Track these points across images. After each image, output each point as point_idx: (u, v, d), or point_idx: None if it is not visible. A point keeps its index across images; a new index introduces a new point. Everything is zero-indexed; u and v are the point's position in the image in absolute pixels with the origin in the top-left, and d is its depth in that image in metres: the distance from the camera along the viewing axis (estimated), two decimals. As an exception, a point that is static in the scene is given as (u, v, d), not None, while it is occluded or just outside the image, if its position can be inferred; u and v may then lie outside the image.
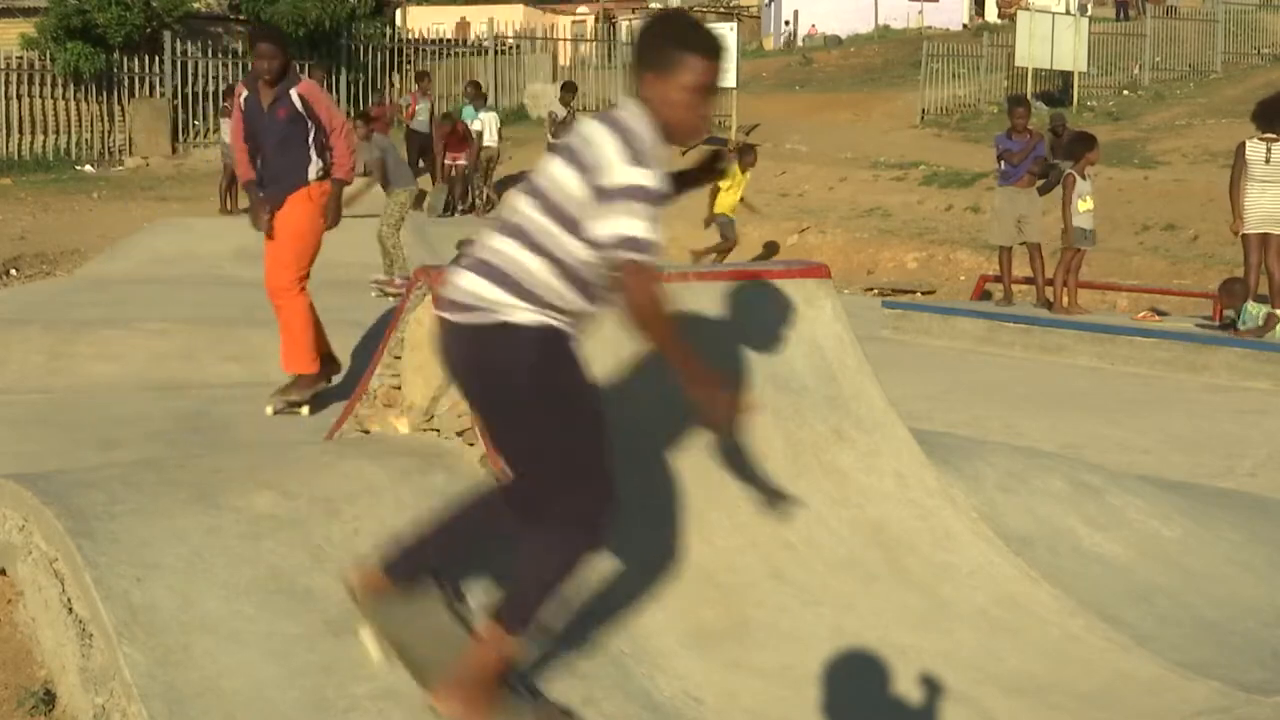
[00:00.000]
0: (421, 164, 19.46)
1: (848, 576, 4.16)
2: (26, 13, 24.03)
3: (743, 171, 16.02)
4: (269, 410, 7.00)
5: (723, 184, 15.81)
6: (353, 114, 23.11)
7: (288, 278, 6.80)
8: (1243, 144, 10.14)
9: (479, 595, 3.43)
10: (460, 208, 19.09)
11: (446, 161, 18.94)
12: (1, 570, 3.68)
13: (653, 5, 45.60)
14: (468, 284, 3.04)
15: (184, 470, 3.92)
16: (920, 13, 40.97)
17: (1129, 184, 17.58)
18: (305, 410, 7.01)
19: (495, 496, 3.17)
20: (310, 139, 6.77)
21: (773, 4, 45.29)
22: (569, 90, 19.55)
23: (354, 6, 24.90)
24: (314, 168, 6.80)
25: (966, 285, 14.84)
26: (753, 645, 3.74)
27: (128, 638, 3.04)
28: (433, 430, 4.21)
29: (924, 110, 25.19)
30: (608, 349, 4.39)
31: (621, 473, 4.06)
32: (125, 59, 23.06)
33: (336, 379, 7.19)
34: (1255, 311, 9.93)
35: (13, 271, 15.07)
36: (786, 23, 44.60)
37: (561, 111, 18.75)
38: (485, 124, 18.76)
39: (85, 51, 22.29)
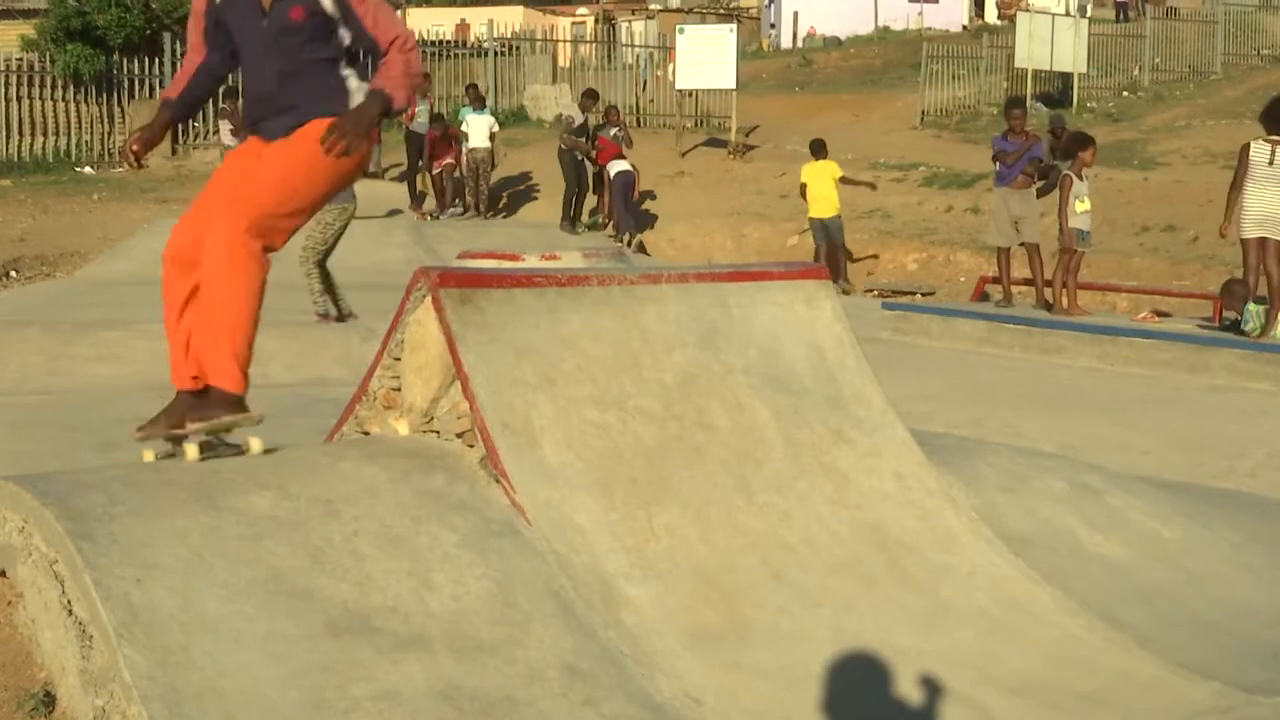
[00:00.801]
0: (420, 164, 19.50)
1: (848, 577, 4.16)
2: (26, 14, 24.06)
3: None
4: (144, 452, 4.17)
5: (811, 183, 16.02)
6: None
7: (241, 221, 3.88)
8: (1247, 145, 10.14)
9: None
10: (453, 210, 19.07)
11: (435, 167, 19.00)
12: (1, 572, 3.67)
13: (652, 6, 45.64)
14: None
15: (183, 471, 3.92)
16: (920, 14, 40.98)
17: (1129, 185, 17.59)
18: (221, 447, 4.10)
19: None
20: (341, 57, 4.15)
21: (773, 5, 45.29)
22: (591, 98, 19.54)
23: (354, 8, 24.91)
24: (353, 100, 4.11)
25: (966, 286, 14.85)
26: (753, 646, 3.74)
27: (128, 639, 3.04)
28: (432, 432, 4.21)
29: (924, 111, 25.21)
30: (607, 338, 4.40)
31: (621, 470, 4.06)
32: (125, 60, 23.06)
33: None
34: (1255, 310, 9.93)
35: (13, 273, 15.07)
36: (771, 25, 44.64)
37: (579, 117, 18.67)
38: (473, 127, 18.77)
39: (85, 53, 22.29)
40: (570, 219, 18.38)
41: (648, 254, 17.60)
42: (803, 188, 16.41)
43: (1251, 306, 9.97)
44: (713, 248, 18.10)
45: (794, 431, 4.59)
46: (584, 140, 18.51)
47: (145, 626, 3.08)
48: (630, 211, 17.97)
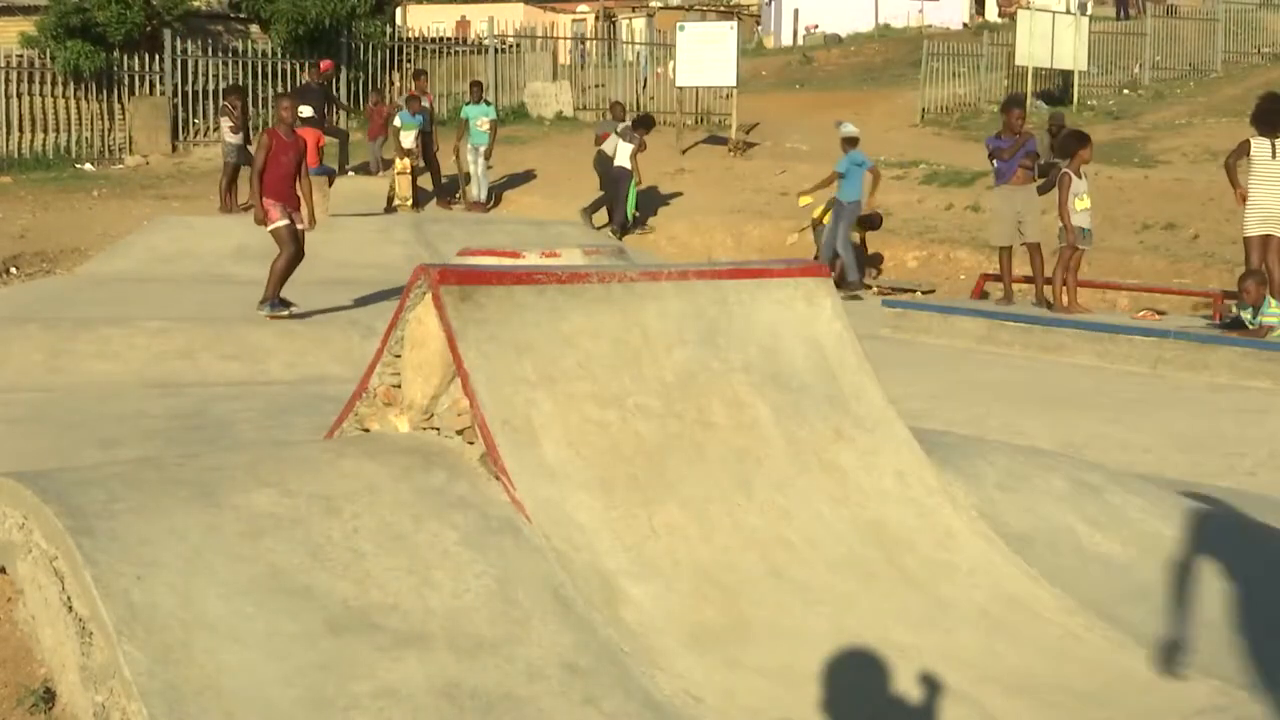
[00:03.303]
0: (422, 163, 19.49)
1: (848, 575, 4.16)
2: (26, 11, 24.01)
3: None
4: None
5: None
6: (351, 112, 23.12)
7: None
8: (1247, 141, 10.16)
9: None
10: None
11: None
12: (1, 568, 3.68)
13: (653, 4, 45.63)
14: None
15: (184, 468, 3.92)
16: (920, 11, 40.97)
17: (1129, 183, 17.58)
18: None
19: None
20: None
21: (773, 2, 45.28)
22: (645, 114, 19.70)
23: (354, 5, 24.86)
24: None
25: (966, 284, 14.85)
26: (752, 644, 3.74)
27: (127, 636, 3.04)
28: (433, 429, 4.21)
29: (924, 109, 25.19)
30: (607, 335, 4.39)
31: (621, 467, 4.05)
32: (125, 57, 23.03)
33: None
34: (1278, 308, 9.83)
35: (13, 270, 15.06)
36: (757, 21, 44.66)
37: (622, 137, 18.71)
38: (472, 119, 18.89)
39: (85, 50, 22.25)
40: (620, 221, 18.44)
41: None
42: None
43: (1273, 303, 9.83)
44: (713, 245, 18.09)
45: (794, 429, 4.59)
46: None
47: (145, 624, 3.09)
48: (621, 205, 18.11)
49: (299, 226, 10.84)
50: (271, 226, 10.70)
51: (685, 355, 4.54)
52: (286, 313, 10.58)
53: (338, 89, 24.05)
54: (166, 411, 7.44)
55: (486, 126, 18.96)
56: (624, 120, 19.09)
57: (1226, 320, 10.57)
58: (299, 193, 10.87)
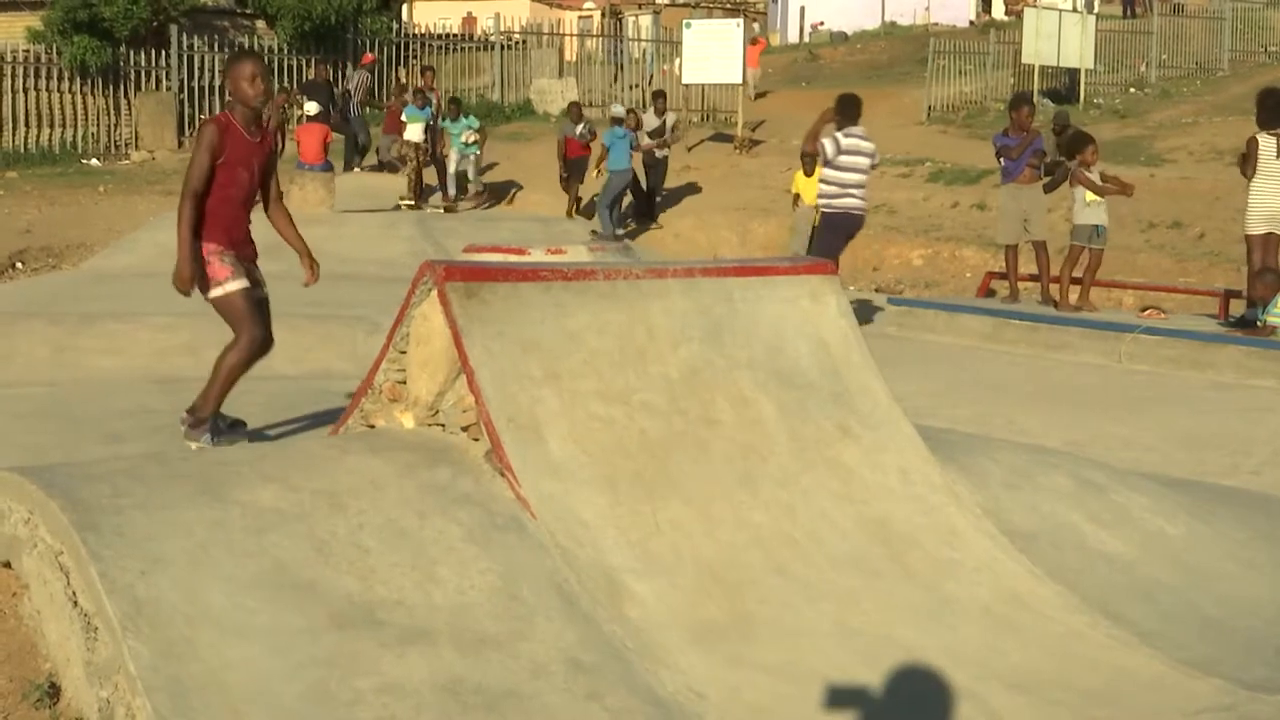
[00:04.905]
0: (429, 159, 19.50)
1: (852, 572, 4.16)
2: (33, 6, 24.04)
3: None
4: None
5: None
6: (356, 109, 23.17)
7: None
8: (1254, 139, 10.13)
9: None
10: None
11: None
12: (7, 563, 3.68)
13: (659, 1, 45.57)
14: None
15: (188, 463, 3.93)
16: (927, 9, 40.90)
17: (1135, 181, 17.51)
18: None
19: None
20: None
21: (779, 0, 45.23)
22: (661, 98, 19.70)
23: (360, 1, 24.87)
24: None
25: (972, 282, 14.83)
26: (756, 641, 3.74)
27: (132, 631, 3.04)
28: (438, 425, 4.22)
29: (930, 107, 25.15)
30: (612, 332, 4.40)
31: (626, 464, 4.05)
32: (131, 52, 23.05)
33: None
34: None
35: (18, 265, 15.09)
36: (756, 17, 44.61)
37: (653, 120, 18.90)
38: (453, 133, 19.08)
39: (91, 45, 22.27)
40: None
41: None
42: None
43: None
44: (718, 242, 18.08)
45: (798, 426, 4.59)
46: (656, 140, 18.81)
47: (150, 619, 3.09)
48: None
49: (263, 292, 5.82)
50: (217, 293, 5.57)
51: (690, 352, 4.55)
52: (230, 442, 5.61)
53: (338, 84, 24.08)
54: (171, 406, 7.42)
55: (472, 138, 19.04)
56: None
57: (1233, 319, 10.55)
58: (276, 226, 5.94)
